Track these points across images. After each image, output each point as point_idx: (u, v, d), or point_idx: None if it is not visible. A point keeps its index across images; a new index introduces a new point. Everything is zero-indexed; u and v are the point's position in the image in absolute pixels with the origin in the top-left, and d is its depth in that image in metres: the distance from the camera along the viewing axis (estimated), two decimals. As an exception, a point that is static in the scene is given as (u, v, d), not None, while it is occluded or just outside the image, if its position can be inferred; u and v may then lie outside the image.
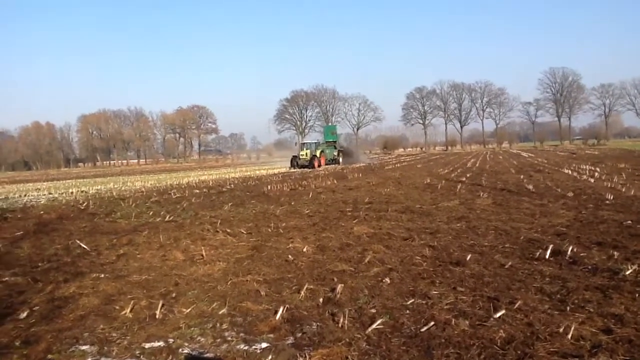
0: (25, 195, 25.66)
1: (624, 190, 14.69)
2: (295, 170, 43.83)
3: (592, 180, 18.53)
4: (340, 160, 53.33)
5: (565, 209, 11.65)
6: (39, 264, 8.55)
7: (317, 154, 48.08)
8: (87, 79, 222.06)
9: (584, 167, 26.71)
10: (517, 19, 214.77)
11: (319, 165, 46.86)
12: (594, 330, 4.44)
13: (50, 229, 12.34)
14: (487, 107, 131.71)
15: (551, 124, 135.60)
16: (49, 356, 4.61)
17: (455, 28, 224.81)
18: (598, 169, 24.40)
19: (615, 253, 7.09)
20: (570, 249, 7.30)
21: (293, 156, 49.00)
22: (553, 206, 12.26)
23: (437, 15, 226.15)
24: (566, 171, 24.39)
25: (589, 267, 6.56)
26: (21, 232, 11.99)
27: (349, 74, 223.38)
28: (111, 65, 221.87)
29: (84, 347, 4.81)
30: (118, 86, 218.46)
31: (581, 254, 7.17)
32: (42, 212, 15.96)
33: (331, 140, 55.26)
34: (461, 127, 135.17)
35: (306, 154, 47.24)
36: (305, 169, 43.63)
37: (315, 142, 51.91)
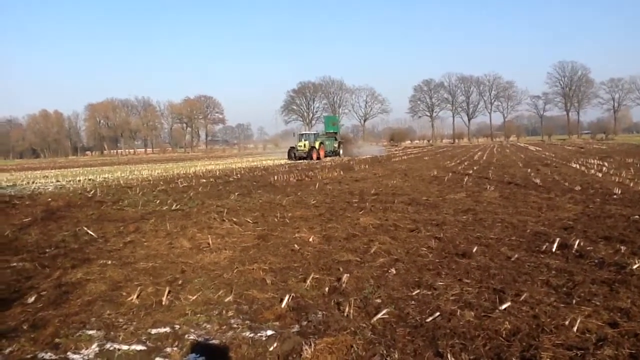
0: (33, 183, 25.77)
1: (631, 185, 14.61)
2: (294, 162, 42.49)
3: (600, 175, 18.43)
4: (341, 152, 51.75)
5: (573, 203, 11.60)
6: (47, 250, 8.61)
7: (316, 145, 46.43)
8: (95, 68, 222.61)
9: (592, 161, 26.57)
10: (527, 12, 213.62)
11: (318, 158, 45.26)
12: (600, 323, 4.43)
13: (58, 216, 12.41)
14: (495, 100, 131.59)
15: (559, 118, 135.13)
16: (57, 340, 4.65)
17: (464, 21, 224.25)
18: (606, 164, 24.28)
19: (622, 247, 7.06)
20: (577, 242, 7.28)
21: (290, 147, 47.40)
22: (560, 200, 12.21)
23: (446, 7, 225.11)
24: (574, 165, 24.26)
25: (596, 261, 6.54)
26: (29, 219, 12.06)
27: (357, 66, 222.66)
28: (119, 55, 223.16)
29: (90, 332, 4.84)
30: (126, 75, 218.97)
31: (588, 248, 7.15)
32: (50, 200, 16.04)
33: (332, 131, 53.47)
34: (469, 120, 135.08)
35: (304, 145, 45.69)
36: (312, 161, 42.52)
37: (315, 133, 50.50)
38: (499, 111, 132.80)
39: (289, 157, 46.37)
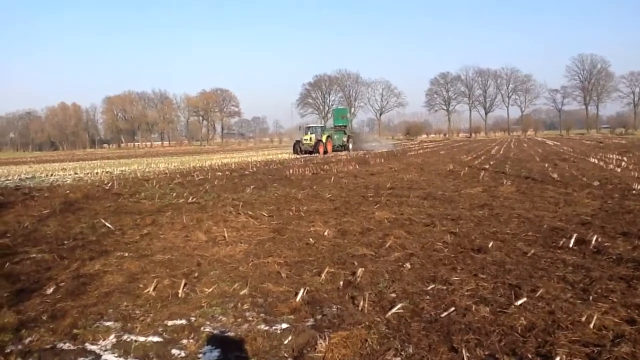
0: (51, 175, 26.09)
1: (651, 180, 14.40)
2: (301, 156, 40.83)
3: (619, 170, 18.19)
4: (350, 146, 49.22)
5: (591, 198, 11.47)
6: (65, 242, 8.73)
7: (323, 139, 44.31)
8: (113, 60, 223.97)
9: (611, 156, 26.21)
10: (546, 4, 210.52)
11: (325, 152, 43.23)
12: (617, 320, 4.38)
13: (76, 208, 12.56)
14: (512, 94, 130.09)
15: (578, 112, 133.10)
16: (75, 331, 4.72)
17: (482, 13, 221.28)
18: (625, 159, 23.93)
19: (641, 243, 6.98)
20: (594, 238, 7.19)
21: (296, 141, 45.26)
22: (578, 195, 12.08)
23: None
24: (592, 160, 23.97)
25: (614, 257, 6.47)
26: (48, 211, 12.22)
27: (373, 59, 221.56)
28: (136, 47, 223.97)
29: (108, 323, 4.91)
30: (143, 68, 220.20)
31: (606, 244, 7.07)
32: (68, 192, 16.23)
33: (341, 124, 51.22)
34: (486, 113, 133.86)
35: (310, 138, 43.46)
36: (318, 155, 40.80)
37: (322, 126, 48.67)
38: (516, 105, 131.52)
39: (294, 151, 44.30)
